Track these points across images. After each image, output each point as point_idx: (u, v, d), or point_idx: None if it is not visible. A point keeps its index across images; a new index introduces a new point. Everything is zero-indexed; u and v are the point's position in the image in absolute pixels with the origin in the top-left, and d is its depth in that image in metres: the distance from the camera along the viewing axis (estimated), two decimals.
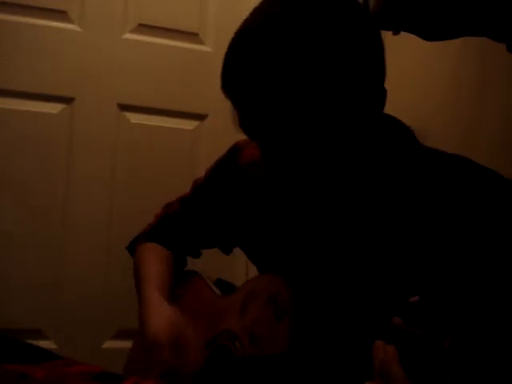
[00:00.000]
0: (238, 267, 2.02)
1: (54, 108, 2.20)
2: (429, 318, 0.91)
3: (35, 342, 1.20)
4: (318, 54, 0.98)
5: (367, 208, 1.13)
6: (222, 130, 2.34)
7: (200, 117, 2.38)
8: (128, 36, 2.29)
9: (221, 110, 2.35)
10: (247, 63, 1.03)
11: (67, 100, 2.22)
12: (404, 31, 1.50)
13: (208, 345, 1.26)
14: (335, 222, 1.16)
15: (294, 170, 1.08)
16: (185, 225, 1.43)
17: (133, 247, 1.49)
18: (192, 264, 1.50)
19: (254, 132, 1.08)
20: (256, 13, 1.05)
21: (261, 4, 1.05)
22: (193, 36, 2.36)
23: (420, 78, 2.01)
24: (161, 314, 1.25)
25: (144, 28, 2.31)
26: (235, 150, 1.36)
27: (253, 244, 1.30)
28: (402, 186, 1.13)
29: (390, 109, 1.18)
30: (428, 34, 1.47)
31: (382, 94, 1.06)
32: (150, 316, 1.26)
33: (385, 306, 1.09)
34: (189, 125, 2.37)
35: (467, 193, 1.10)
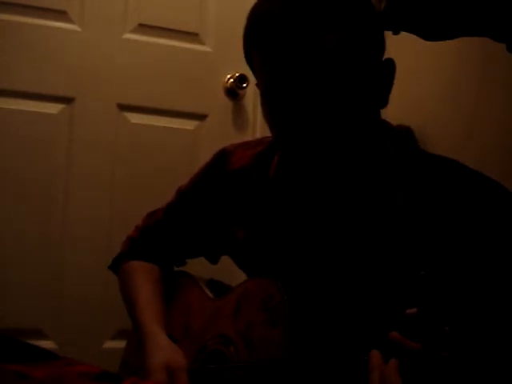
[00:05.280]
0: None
1: (53, 108, 2.20)
2: (427, 329, 0.91)
3: (35, 342, 1.20)
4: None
5: (365, 209, 1.13)
6: (222, 130, 2.35)
7: (200, 117, 2.38)
8: (128, 36, 2.29)
9: (221, 110, 2.37)
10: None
11: (67, 100, 2.21)
12: (404, 31, 1.49)
13: (201, 349, 1.25)
14: (332, 224, 1.16)
15: (305, 153, 1.07)
16: (168, 234, 1.40)
17: (116, 265, 1.47)
18: (191, 264, 1.49)
19: (281, 97, 1.06)
20: None
21: None
22: (193, 36, 2.36)
23: (420, 78, 2.01)
24: (161, 355, 1.24)
25: (144, 28, 2.31)
26: (223, 154, 1.34)
27: (244, 250, 1.28)
28: (397, 189, 1.12)
29: (392, 109, 1.18)
30: (428, 34, 1.47)
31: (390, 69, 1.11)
32: (151, 356, 1.25)
33: (383, 312, 1.08)
34: (189, 125, 2.37)
35: (460, 193, 1.10)
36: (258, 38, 1.06)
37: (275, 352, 1.08)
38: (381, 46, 1.11)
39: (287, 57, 1.03)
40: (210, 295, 1.31)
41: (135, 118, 2.31)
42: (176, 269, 1.46)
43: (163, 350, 1.25)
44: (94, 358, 1.87)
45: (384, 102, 1.11)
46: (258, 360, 1.11)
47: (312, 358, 1.06)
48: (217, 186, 1.32)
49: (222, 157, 1.33)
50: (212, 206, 1.33)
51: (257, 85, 1.13)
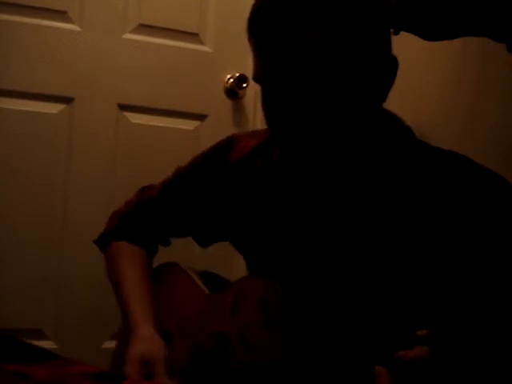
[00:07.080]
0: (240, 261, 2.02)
1: (54, 108, 2.20)
2: (437, 348, 0.91)
3: (35, 342, 1.20)
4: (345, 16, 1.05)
5: (366, 206, 1.13)
6: (222, 130, 2.34)
7: (200, 117, 2.38)
8: (128, 36, 2.29)
9: (221, 109, 2.37)
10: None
11: (67, 100, 2.21)
12: (404, 31, 1.49)
13: (198, 347, 1.24)
14: (334, 218, 1.15)
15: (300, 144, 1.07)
16: (161, 212, 1.40)
17: (103, 242, 1.47)
18: (193, 258, 1.49)
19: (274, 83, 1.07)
20: None
21: None
22: (193, 36, 2.36)
23: (420, 78, 2.01)
24: (139, 345, 1.26)
25: (144, 28, 2.31)
26: (229, 143, 1.34)
27: (245, 237, 1.27)
28: (400, 185, 1.13)
29: (392, 106, 1.18)
30: (428, 34, 1.47)
31: (393, 64, 1.12)
32: (130, 346, 1.26)
33: (385, 316, 1.08)
34: (189, 125, 2.37)
35: (466, 189, 1.10)
36: (253, 26, 1.09)
37: (272, 354, 1.08)
38: (379, 42, 1.10)
39: (277, 50, 1.05)
40: (205, 290, 1.30)
41: (135, 118, 2.31)
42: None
43: (142, 340, 1.26)
44: (93, 358, 1.87)
45: (382, 97, 1.12)
46: (255, 361, 1.10)
47: (310, 362, 1.05)
48: (216, 173, 1.32)
49: (227, 145, 1.33)
50: (211, 191, 1.33)
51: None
